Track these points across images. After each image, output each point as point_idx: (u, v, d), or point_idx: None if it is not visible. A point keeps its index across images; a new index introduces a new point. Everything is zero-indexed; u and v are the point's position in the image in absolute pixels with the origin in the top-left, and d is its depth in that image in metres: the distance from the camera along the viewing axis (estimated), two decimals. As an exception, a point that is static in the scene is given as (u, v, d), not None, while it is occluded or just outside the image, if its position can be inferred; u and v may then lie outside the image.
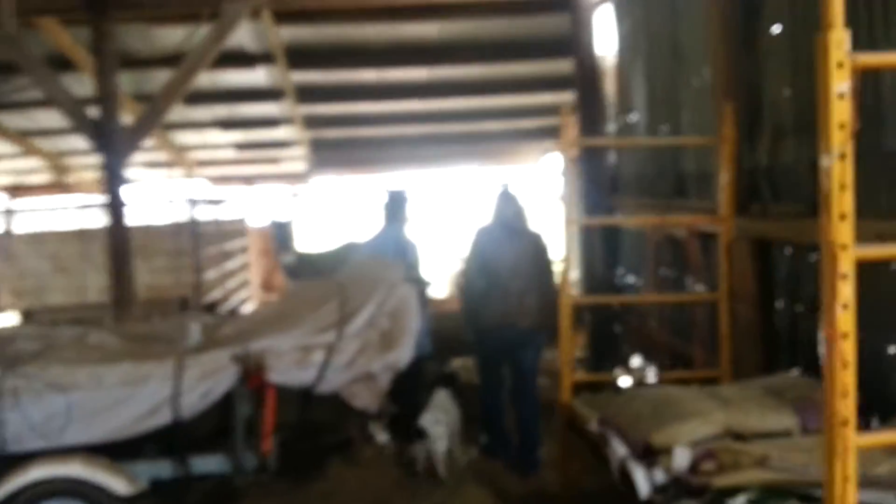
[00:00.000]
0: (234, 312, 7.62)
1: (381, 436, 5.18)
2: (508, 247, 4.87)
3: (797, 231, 3.36)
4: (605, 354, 6.39)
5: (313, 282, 5.48)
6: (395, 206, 5.64)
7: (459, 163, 13.79)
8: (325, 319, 4.29)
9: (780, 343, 3.68)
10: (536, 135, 12.38)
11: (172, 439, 3.75)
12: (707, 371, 4.04)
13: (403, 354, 4.28)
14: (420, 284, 4.77)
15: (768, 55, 3.82)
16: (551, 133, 12.28)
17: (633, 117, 5.92)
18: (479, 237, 5.12)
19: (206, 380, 3.75)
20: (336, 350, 4.13)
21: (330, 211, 15.98)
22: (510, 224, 4.95)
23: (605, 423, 3.10)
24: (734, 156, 3.89)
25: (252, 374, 3.74)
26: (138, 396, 3.64)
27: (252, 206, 12.49)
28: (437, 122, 11.44)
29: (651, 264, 4.71)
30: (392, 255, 5.34)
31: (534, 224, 5.45)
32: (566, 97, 10.27)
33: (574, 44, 6.54)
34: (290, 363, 4.07)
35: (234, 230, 10.52)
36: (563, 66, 8.53)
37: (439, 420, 4.64)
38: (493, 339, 4.92)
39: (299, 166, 13.09)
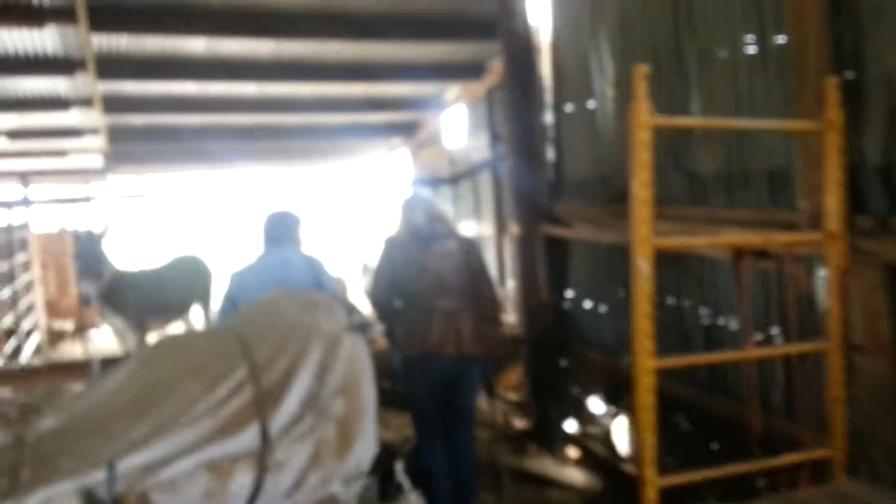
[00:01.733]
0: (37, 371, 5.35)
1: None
2: (428, 259, 3.87)
3: None
4: (551, 395, 5.19)
5: (186, 336, 3.64)
6: (283, 227, 4.03)
7: (297, 159, 11.95)
8: (230, 404, 2.66)
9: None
10: (382, 130, 10.97)
11: None
12: (800, 454, 2.89)
13: (365, 453, 2.79)
14: (365, 331, 3.22)
15: (880, 13, 2.79)
16: (400, 129, 11.01)
17: (591, 104, 4.74)
18: (387, 250, 3.97)
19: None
20: (269, 464, 2.52)
21: (140, 216, 13.31)
22: (425, 231, 3.90)
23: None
24: (841, 148, 2.81)
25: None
26: None
27: (36, 209, 9.76)
28: (273, 110, 9.53)
29: (743, 298, 3.55)
30: (302, 284, 3.74)
31: (458, 228, 4.14)
32: (423, 89, 9.18)
33: (502, 17, 5.24)
34: (197, 499, 2.39)
35: (17, 240, 8.00)
36: (420, 50, 7.27)
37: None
38: (420, 375, 3.79)
39: (94, 161, 10.50)
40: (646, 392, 2.51)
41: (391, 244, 4.00)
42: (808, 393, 2.98)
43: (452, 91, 9.03)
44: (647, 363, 2.50)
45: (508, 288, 5.81)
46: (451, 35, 6.98)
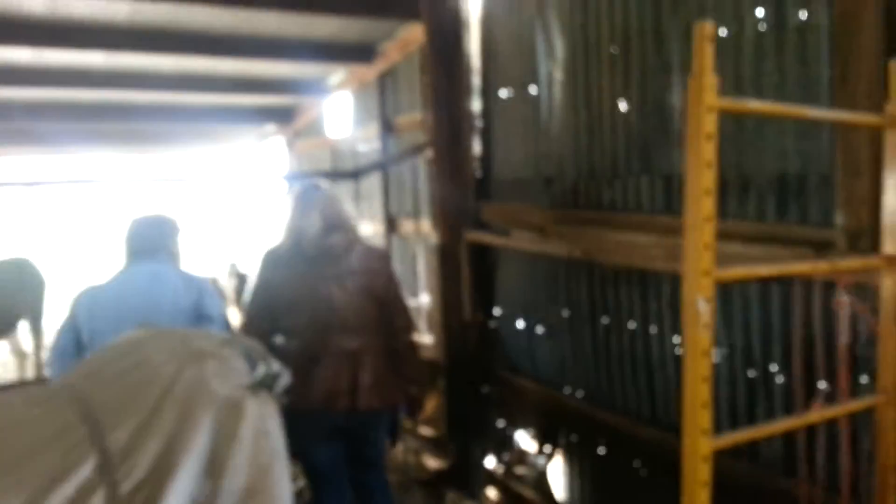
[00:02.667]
0: None
1: None
2: (320, 284, 2.99)
3: None
4: (472, 430, 4.42)
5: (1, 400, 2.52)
6: (155, 237, 3.03)
7: (151, 145, 10.44)
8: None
9: None
10: (254, 115, 9.77)
11: None
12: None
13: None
14: (273, 385, 2.26)
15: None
16: (274, 114, 9.85)
17: (533, 90, 4.01)
18: (266, 270, 3.05)
19: None
20: None
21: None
22: (318, 245, 2.97)
23: None
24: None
25: None
26: None
27: None
28: (125, 86, 8.06)
29: (793, 339, 2.88)
30: (179, 314, 2.76)
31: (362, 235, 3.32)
32: (303, 70, 8.12)
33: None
34: None
35: None
36: (302, 24, 6.26)
37: None
38: (308, 431, 2.88)
39: None
40: (701, 486, 1.78)
41: (271, 260, 3.05)
42: (849, 456, 2.40)
43: (338, 74, 8.05)
44: (702, 446, 1.77)
45: (420, 302, 4.98)
46: (339, 8, 6.02)
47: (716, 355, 2.99)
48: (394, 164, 5.82)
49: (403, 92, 6.62)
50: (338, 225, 3.03)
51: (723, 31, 2.89)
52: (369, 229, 7.76)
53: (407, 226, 6.84)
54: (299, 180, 5.55)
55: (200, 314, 2.85)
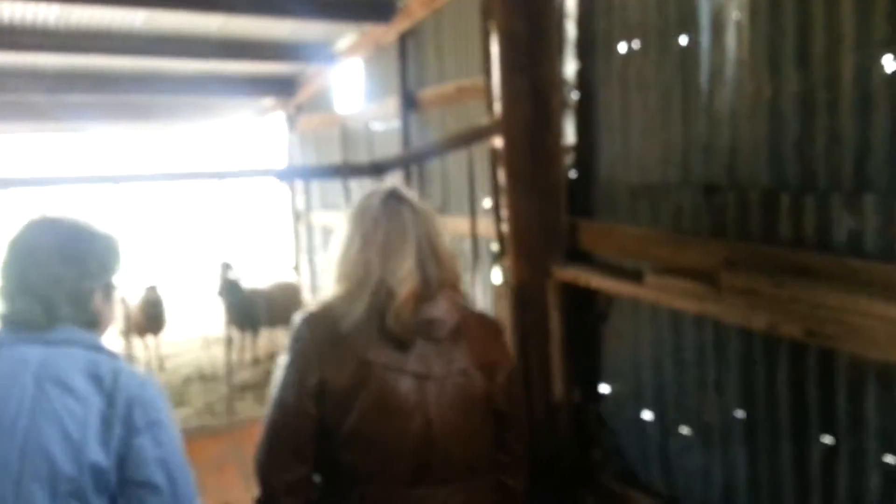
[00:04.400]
0: None
1: None
2: (411, 382, 1.57)
3: None
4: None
5: None
6: (58, 274, 1.47)
7: (129, 118, 8.86)
8: None
9: None
10: (248, 86, 8.17)
11: None
12: None
13: None
14: None
15: None
16: (273, 85, 8.26)
17: (682, 40, 2.42)
18: (304, 354, 1.61)
19: None
20: None
21: None
22: (417, 310, 1.58)
23: None
24: None
25: None
26: None
27: None
28: (95, 49, 6.43)
29: None
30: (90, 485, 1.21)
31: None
32: (305, 31, 6.55)
33: None
34: None
35: None
36: None
37: None
38: None
39: None
40: None
41: (319, 338, 1.59)
42: None
43: (347, 37, 6.48)
44: None
45: None
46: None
47: None
48: (437, 155, 4.25)
49: (430, 57, 5.37)
50: (439, 276, 1.60)
51: None
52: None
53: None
54: (298, 176, 4.01)
55: (130, 478, 1.37)
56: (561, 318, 2.80)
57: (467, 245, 5.18)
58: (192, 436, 3.24)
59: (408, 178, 6.03)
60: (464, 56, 5.20)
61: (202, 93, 8.16)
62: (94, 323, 1.56)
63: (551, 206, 2.84)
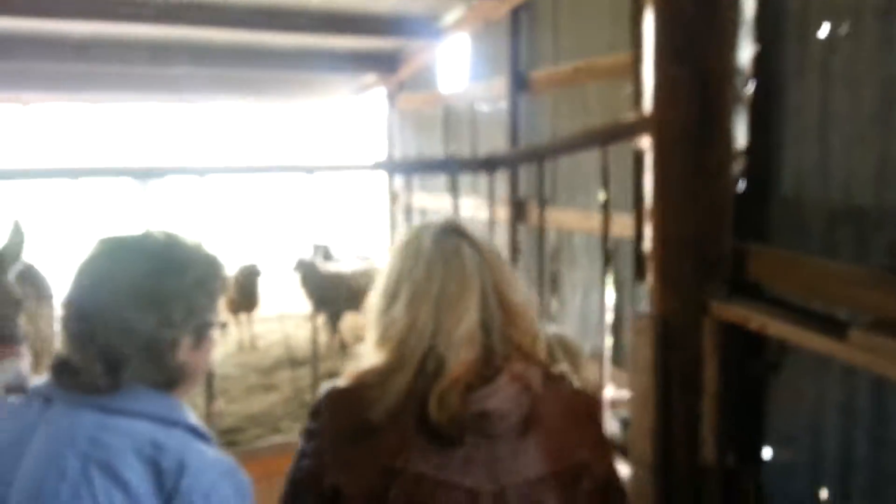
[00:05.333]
0: None
1: None
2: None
3: None
4: None
5: None
6: (126, 320, 1.09)
7: (222, 93, 8.73)
8: None
9: None
10: (349, 61, 7.82)
11: None
12: None
13: None
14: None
15: None
16: (375, 61, 7.89)
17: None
18: (322, 447, 1.22)
19: None
20: None
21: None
22: (472, 400, 1.14)
23: None
24: None
25: None
26: None
27: None
28: (190, 22, 6.23)
29: None
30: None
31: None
32: (410, 4, 6.10)
33: None
34: None
35: None
36: None
37: None
38: None
39: None
40: None
41: (337, 427, 1.22)
42: None
43: (455, 11, 6.02)
44: None
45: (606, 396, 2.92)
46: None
47: None
48: (563, 154, 3.74)
49: (545, 34, 5.03)
50: (509, 340, 1.22)
51: None
52: (483, 215, 5.82)
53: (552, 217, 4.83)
54: (398, 170, 3.59)
55: None
56: (719, 366, 2.26)
57: (590, 243, 4.71)
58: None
59: (514, 168, 5.56)
60: (584, 33, 4.71)
61: (301, 68, 7.91)
62: (175, 380, 1.18)
63: (712, 224, 2.29)
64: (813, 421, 2.17)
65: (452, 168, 3.26)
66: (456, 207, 3.17)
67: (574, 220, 4.80)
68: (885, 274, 1.86)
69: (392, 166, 3.20)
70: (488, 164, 3.17)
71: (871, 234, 1.93)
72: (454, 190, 3.15)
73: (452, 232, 1.23)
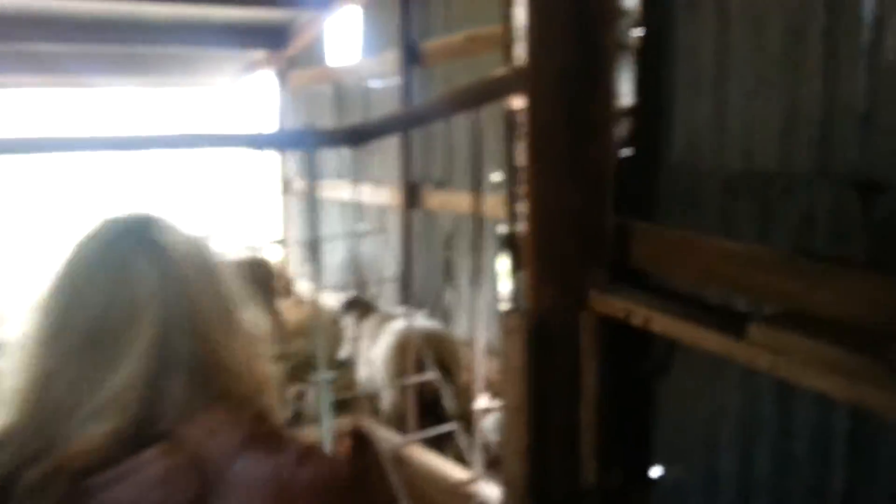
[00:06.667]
0: None
1: None
2: None
3: None
4: None
5: None
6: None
7: (100, 73, 7.87)
8: None
9: None
10: (235, 36, 7.17)
11: None
12: None
13: None
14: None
15: None
16: (264, 36, 7.28)
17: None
18: None
19: None
20: None
21: None
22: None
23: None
24: None
25: None
26: None
27: None
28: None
29: None
30: None
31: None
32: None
33: None
34: None
35: None
36: None
37: None
38: None
39: None
40: None
41: None
42: None
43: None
44: None
45: (478, 407, 2.47)
46: None
47: None
48: (433, 119, 3.30)
49: (437, 2, 4.83)
50: (201, 391, 0.76)
51: None
52: (379, 198, 5.40)
53: (437, 199, 4.57)
54: (248, 144, 3.04)
55: None
56: (598, 369, 1.86)
57: (467, 228, 4.34)
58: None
59: (406, 149, 5.13)
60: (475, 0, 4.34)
61: (185, 43, 7.23)
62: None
63: (592, 198, 1.89)
64: (709, 433, 1.80)
65: (309, 142, 2.74)
66: (313, 187, 2.69)
67: (469, 203, 4.43)
68: (792, 255, 1.49)
69: (238, 139, 2.75)
70: (354, 137, 2.69)
71: (779, 206, 1.56)
72: (311, 169, 2.67)
73: (130, 234, 0.79)
